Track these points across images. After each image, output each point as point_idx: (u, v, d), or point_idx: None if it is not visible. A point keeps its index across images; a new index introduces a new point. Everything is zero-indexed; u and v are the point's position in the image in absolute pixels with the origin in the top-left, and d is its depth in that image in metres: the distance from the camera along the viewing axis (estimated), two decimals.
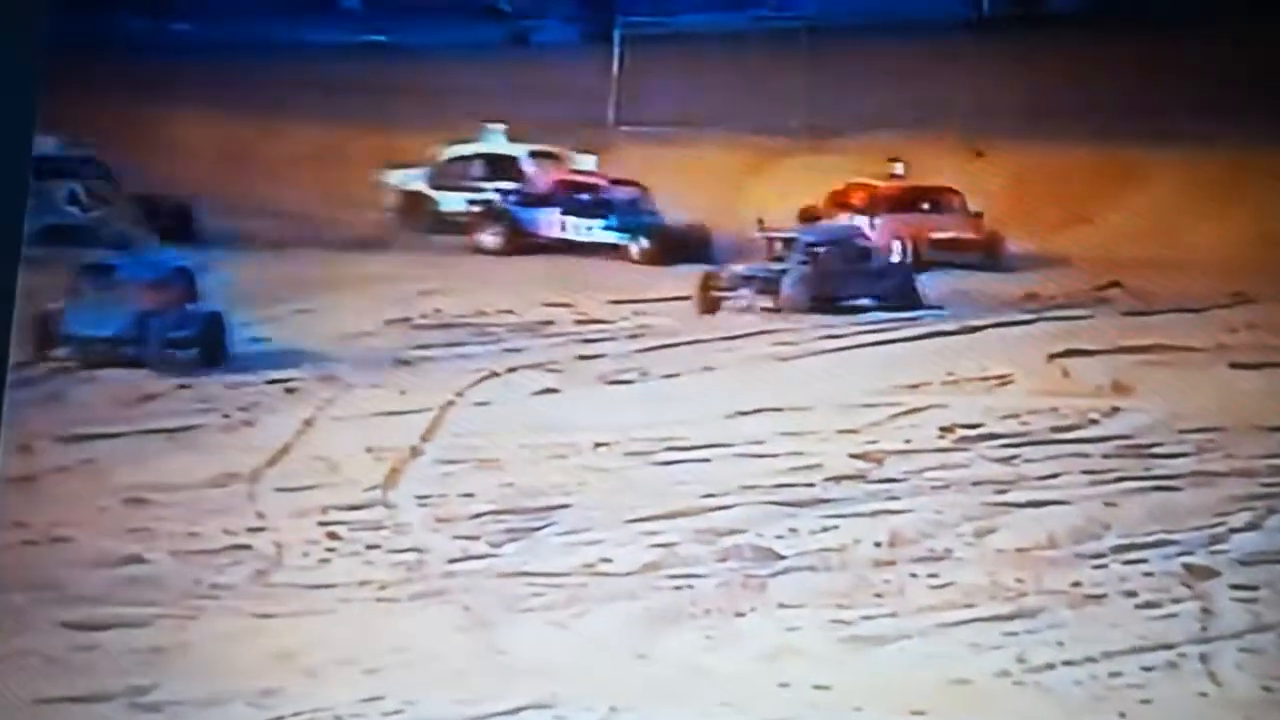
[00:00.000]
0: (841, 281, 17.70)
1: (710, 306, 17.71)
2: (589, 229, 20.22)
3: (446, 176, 21.67)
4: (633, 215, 20.31)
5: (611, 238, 20.15)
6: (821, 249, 17.96)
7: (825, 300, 17.52)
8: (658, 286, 18.42)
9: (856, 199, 20.44)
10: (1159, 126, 21.14)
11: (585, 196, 20.58)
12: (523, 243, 20.41)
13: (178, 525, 11.91)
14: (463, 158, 21.73)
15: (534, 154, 21.54)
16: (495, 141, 21.65)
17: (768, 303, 17.60)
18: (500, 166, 21.44)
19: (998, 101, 21.70)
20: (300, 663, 9.75)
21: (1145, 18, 24.60)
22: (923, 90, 22.27)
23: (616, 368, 15.98)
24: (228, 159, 21.71)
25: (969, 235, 19.75)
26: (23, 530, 11.50)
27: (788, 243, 18.11)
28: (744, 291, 17.70)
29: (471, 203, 21.19)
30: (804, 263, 17.77)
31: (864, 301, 17.65)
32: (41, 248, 19.70)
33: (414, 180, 21.65)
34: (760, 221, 18.78)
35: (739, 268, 18.02)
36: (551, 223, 20.53)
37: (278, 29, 26.41)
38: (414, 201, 21.64)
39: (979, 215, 19.98)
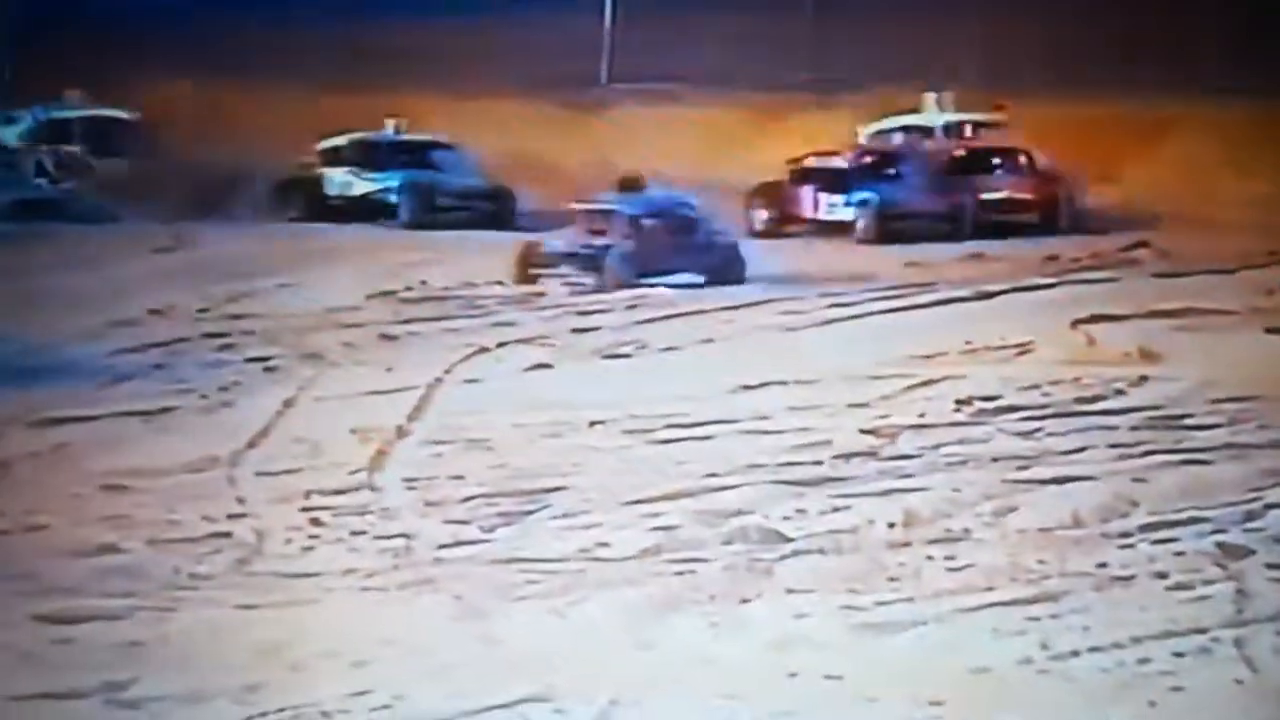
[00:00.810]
0: (666, 256, 17.44)
1: (526, 280, 17.43)
2: None
3: None
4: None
5: None
6: (646, 222, 17.67)
7: (650, 275, 17.33)
8: None
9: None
10: (1186, 77, 21.10)
11: None
12: None
13: (155, 512, 11.94)
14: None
15: None
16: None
17: (590, 279, 17.38)
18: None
19: (1016, 52, 21.65)
20: (284, 656, 9.77)
21: None
22: (938, 42, 22.22)
23: (613, 341, 16.01)
24: (204, 123, 21.73)
25: (1023, 195, 19.77)
26: None
27: (605, 215, 17.80)
28: (565, 267, 17.48)
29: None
30: (628, 236, 17.47)
31: (687, 277, 17.42)
32: (13, 224, 19.74)
33: None
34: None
35: (558, 241, 17.75)
36: None
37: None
38: None
39: (1054, 177, 19.97)
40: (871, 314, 16.66)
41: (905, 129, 21.03)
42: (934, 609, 10.29)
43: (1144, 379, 14.62)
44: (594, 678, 9.44)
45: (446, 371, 15.09)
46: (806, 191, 19.97)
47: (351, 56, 22.65)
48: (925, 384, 14.46)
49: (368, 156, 21.22)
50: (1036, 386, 14.36)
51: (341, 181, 21.27)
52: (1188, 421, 13.54)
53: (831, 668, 9.52)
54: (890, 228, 19.72)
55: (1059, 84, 20.86)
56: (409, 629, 10.09)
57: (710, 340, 16.00)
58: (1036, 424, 13.49)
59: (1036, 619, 10.15)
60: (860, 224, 19.70)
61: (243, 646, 9.86)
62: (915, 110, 20.90)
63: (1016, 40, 21.48)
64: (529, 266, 17.64)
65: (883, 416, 13.60)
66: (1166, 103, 20.43)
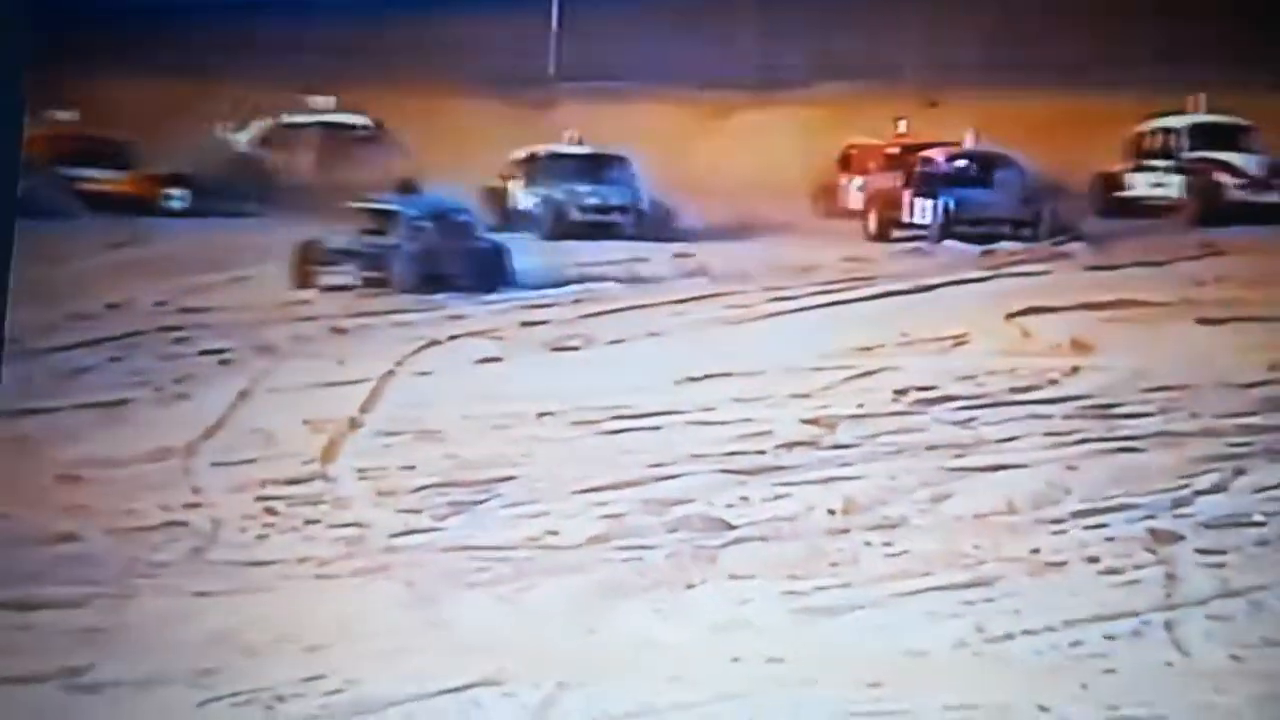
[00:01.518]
0: (444, 259, 17.09)
1: (304, 281, 17.01)
2: None
3: None
4: None
5: None
6: (425, 224, 17.32)
7: (433, 279, 16.95)
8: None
9: (859, 160, 20.40)
10: (1117, 76, 21.25)
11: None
12: None
13: (113, 502, 11.91)
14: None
15: None
16: None
17: (375, 279, 16.87)
18: None
19: (954, 51, 21.75)
20: (239, 641, 9.78)
21: None
22: (876, 41, 22.29)
23: (561, 334, 16.02)
24: (163, 119, 21.59)
25: (899, 185, 19.70)
26: None
27: (387, 215, 17.34)
28: (348, 266, 17.07)
29: None
30: (409, 238, 17.12)
31: (458, 281, 16.98)
32: None
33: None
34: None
35: (339, 240, 17.28)
36: None
37: None
38: None
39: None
40: (812, 307, 16.73)
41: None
42: (872, 594, 10.37)
43: (1076, 369, 14.73)
44: (542, 662, 9.48)
45: (398, 364, 15.07)
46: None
47: (293, 50, 22.55)
48: (864, 375, 14.54)
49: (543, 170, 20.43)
50: (972, 377, 14.45)
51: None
52: (1119, 410, 13.65)
53: (773, 651, 9.59)
54: (961, 232, 19.09)
55: (998, 79, 20.98)
56: (362, 615, 10.11)
57: (656, 334, 16.02)
58: (972, 413, 13.57)
59: (971, 603, 10.24)
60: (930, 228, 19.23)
61: (198, 632, 9.86)
62: (1179, 111, 20.43)
63: (956, 37, 21.60)
64: (308, 264, 17.07)
65: (823, 407, 13.66)
66: (1101, 97, 20.58)
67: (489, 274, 17.15)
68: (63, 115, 20.73)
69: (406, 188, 18.07)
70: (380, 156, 20.72)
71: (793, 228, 19.83)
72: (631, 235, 19.14)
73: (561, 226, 19.27)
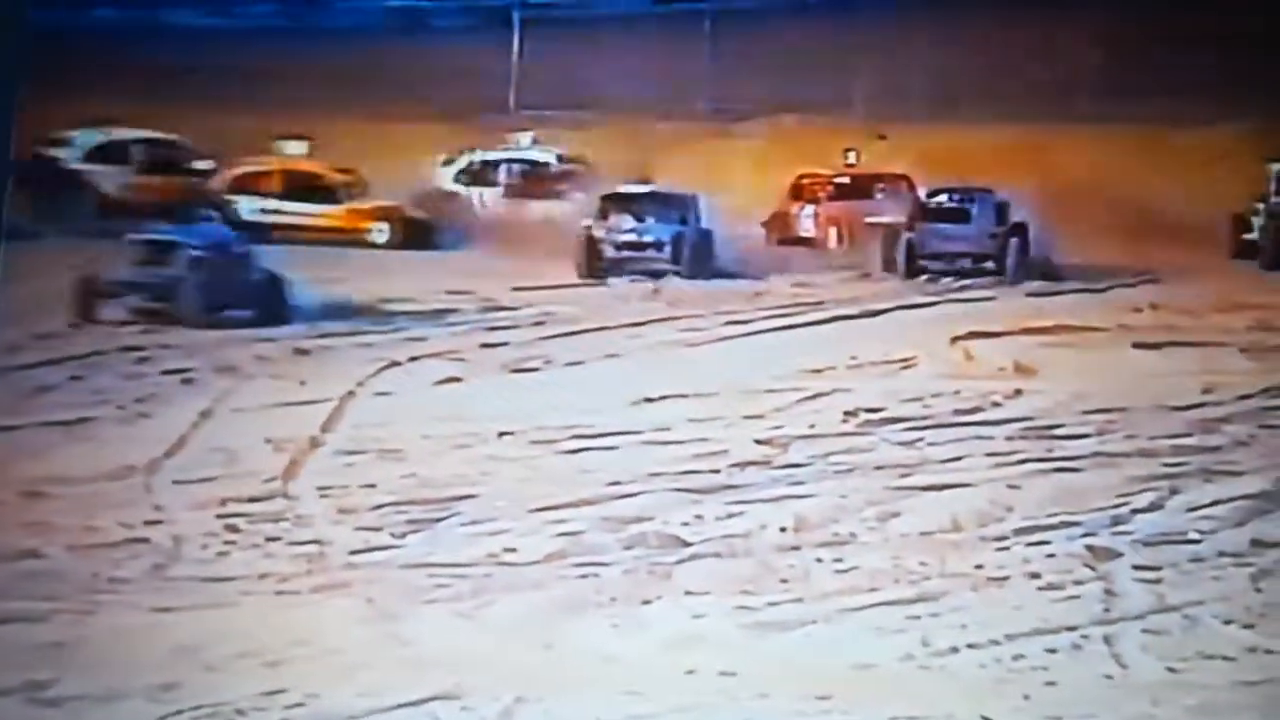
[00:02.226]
0: (226, 291, 16.85)
1: (86, 313, 16.59)
2: None
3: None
4: None
5: None
6: (204, 255, 17.00)
7: (216, 310, 16.68)
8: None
9: (809, 189, 20.49)
10: (1061, 106, 21.47)
11: None
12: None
13: (75, 519, 11.82)
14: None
15: None
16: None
17: (159, 310, 16.59)
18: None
19: (901, 85, 21.95)
20: (200, 657, 9.71)
21: (1045, 1, 24.97)
22: (825, 74, 22.47)
23: (520, 355, 16.01)
24: (373, 156, 21.60)
25: (904, 220, 19.78)
26: None
27: (167, 246, 16.99)
28: (133, 297, 16.73)
29: None
30: (191, 269, 16.82)
31: (237, 314, 16.70)
32: None
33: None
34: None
35: (123, 271, 16.89)
36: None
37: (182, 14, 26.12)
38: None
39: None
40: (765, 331, 16.79)
41: None
42: (822, 609, 10.39)
43: (1018, 392, 14.84)
44: (501, 676, 9.45)
45: (359, 384, 15.02)
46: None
47: (262, 80, 22.50)
48: (815, 397, 14.60)
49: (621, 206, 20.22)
50: (918, 399, 14.53)
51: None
52: (1059, 432, 13.76)
53: (726, 665, 9.60)
54: (921, 266, 18.82)
55: (941, 115, 21.16)
56: (322, 631, 10.05)
57: (614, 355, 16.05)
58: (918, 434, 13.65)
59: (918, 618, 10.28)
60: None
61: (160, 648, 9.78)
62: None
63: (901, 72, 21.78)
64: (91, 297, 16.65)
65: (775, 427, 13.71)
66: (1041, 129, 20.76)
67: (269, 305, 16.72)
68: (293, 147, 20.79)
69: (185, 218, 17.62)
70: (572, 188, 20.76)
71: (747, 253, 19.94)
72: (665, 271, 19.05)
73: (597, 262, 18.96)
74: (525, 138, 21.50)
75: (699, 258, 18.99)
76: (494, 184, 21.28)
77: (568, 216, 20.19)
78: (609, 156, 21.12)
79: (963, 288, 18.93)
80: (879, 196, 20.29)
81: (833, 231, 19.87)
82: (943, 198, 19.66)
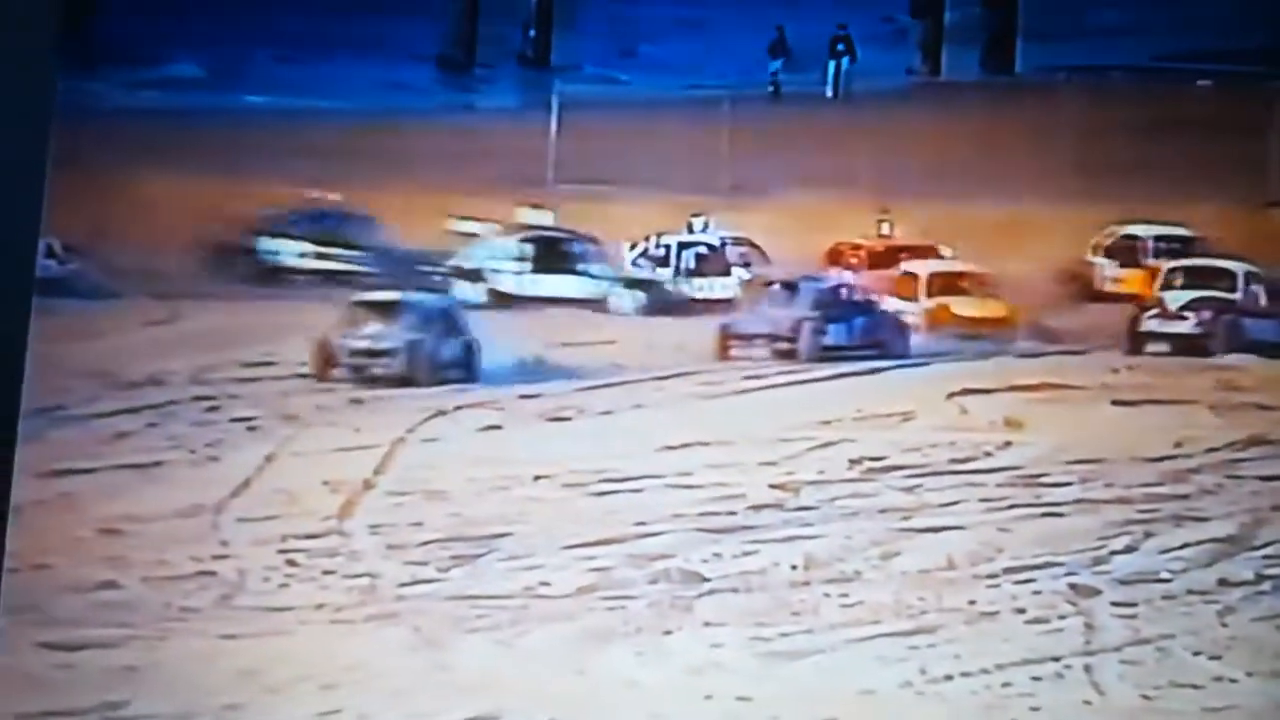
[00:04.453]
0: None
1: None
2: None
3: None
4: None
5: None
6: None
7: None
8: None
9: (849, 256, 20.35)
10: (1050, 186, 21.59)
11: None
12: None
13: (148, 554, 11.91)
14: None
15: None
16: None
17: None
18: None
19: (903, 165, 22.11)
20: (262, 680, 9.78)
21: (1035, 85, 25.12)
22: (835, 155, 22.65)
23: (555, 405, 16.10)
24: (197, 218, 21.69)
25: None
26: (6, 559, 11.46)
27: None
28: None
29: None
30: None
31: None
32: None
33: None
34: None
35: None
36: None
37: (230, 96, 26.34)
38: None
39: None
40: (778, 385, 16.86)
41: None
42: (829, 639, 10.44)
43: (1008, 444, 14.86)
44: (536, 700, 9.51)
45: (409, 431, 15.11)
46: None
47: (310, 153, 22.68)
48: (823, 446, 14.64)
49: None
50: (917, 449, 14.56)
51: None
52: (1045, 480, 13.77)
53: (742, 690, 9.66)
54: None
55: (940, 193, 21.30)
56: (373, 657, 10.12)
57: (640, 406, 16.12)
58: (917, 481, 13.68)
59: (916, 648, 10.34)
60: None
61: (225, 672, 9.86)
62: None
63: (903, 153, 21.94)
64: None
65: (787, 473, 13.74)
66: (1029, 208, 20.87)
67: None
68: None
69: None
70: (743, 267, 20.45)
71: None
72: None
73: (329, 368, 17.09)
74: (699, 222, 21.24)
75: (454, 367, 16.59)
76: (669, 265, 20.82)
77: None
78: (638, 225, 21.24)
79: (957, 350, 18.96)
80: (902, 266, 20.15)
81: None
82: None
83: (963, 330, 17.77)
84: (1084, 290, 19.48)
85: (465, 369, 16.46)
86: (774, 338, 16.88)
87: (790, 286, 17.50)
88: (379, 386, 15.75)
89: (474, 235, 20.41)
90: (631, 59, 26.28)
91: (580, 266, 19.53)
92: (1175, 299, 17.56)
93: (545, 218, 20.33)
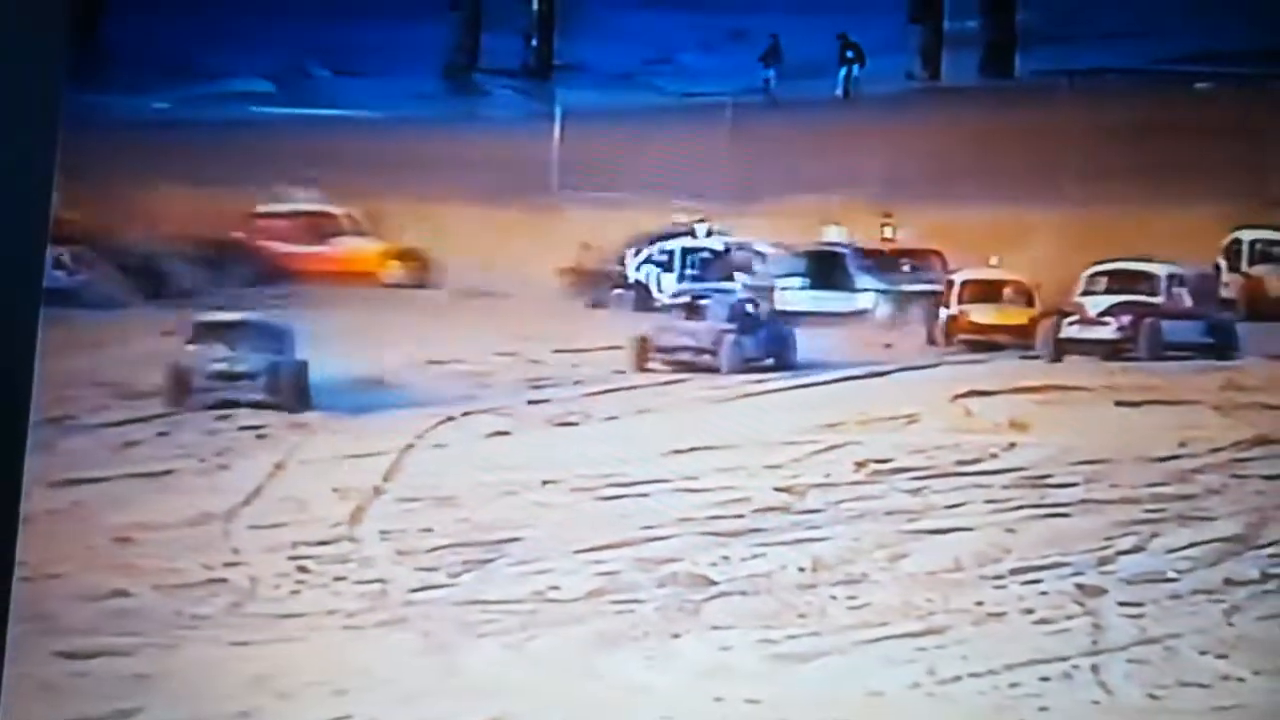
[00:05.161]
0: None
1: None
2: None
3: None
4: None
5: None
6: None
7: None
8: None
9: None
10: (1049, 190, 21.56)
11: None
12: None
13: (159, 561, 11.91)
14: None
15: None
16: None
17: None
18: None
19: (904, 168, 22.09)
20: (274, 686, 9.79)
21: (1035, 89, 25.12)
22: (835, 159, 22.64)
23: (562, 411, 16.09)
24: (205, 228, 21.66)
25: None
26: (19, 568, 11.45)
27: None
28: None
29: None
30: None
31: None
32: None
33: None
34: None
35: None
36: None
37: (239, 107, 26.35)
38: None
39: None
40: (783, 389, 16.84)
41: None
42: (837, 642, 10.44)
43: (1013, 445, 14.84)
44: (546, 704, 9.51)
45: (417, 438, 15.11)
46: None
47: (319, 164, 22.65)
48: (829, 449, 14.62)
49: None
50: (923, 451, 14.54)
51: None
52: (1050, 481, 13.75)
53: (751, 693, 9.65)
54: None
55: (940, 196, 21.27)
56: (383, 662, 10.12)
57: (646, 411, 16.10)
58: (923, 483, 13.66)
59: (924, 649, 10.33)
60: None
61: (237, 678, 9.86)
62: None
63: (904, 156, 21.93)
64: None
65: (794, 476, 13.72)
66: (1031, 209, 20.84)
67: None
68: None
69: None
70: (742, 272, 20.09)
71: None
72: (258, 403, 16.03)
73: (184, 394, 16.18)
74: (702, 228, 21.16)
75: (296, 390, 15.99)
76: (672, 270, 20.71)
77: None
78: (642, 230, 21.22)
79: (962, 351, 18.93)
80: (905, 270, 20.04)
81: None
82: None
83: (978, 337, 17.73)
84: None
85: (295, 391, 15.57)
86: (696, 350, 16.60)
87: (701, 299, 17.32)
88: (240, 410, 15.18)
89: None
90: (665, 65, 26.38)
91: (854, 281, 19.11)
92: (1095, 304, 17.27)
93: (840, 234, 20.02)
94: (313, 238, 20.12)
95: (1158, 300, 17.36)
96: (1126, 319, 17.01)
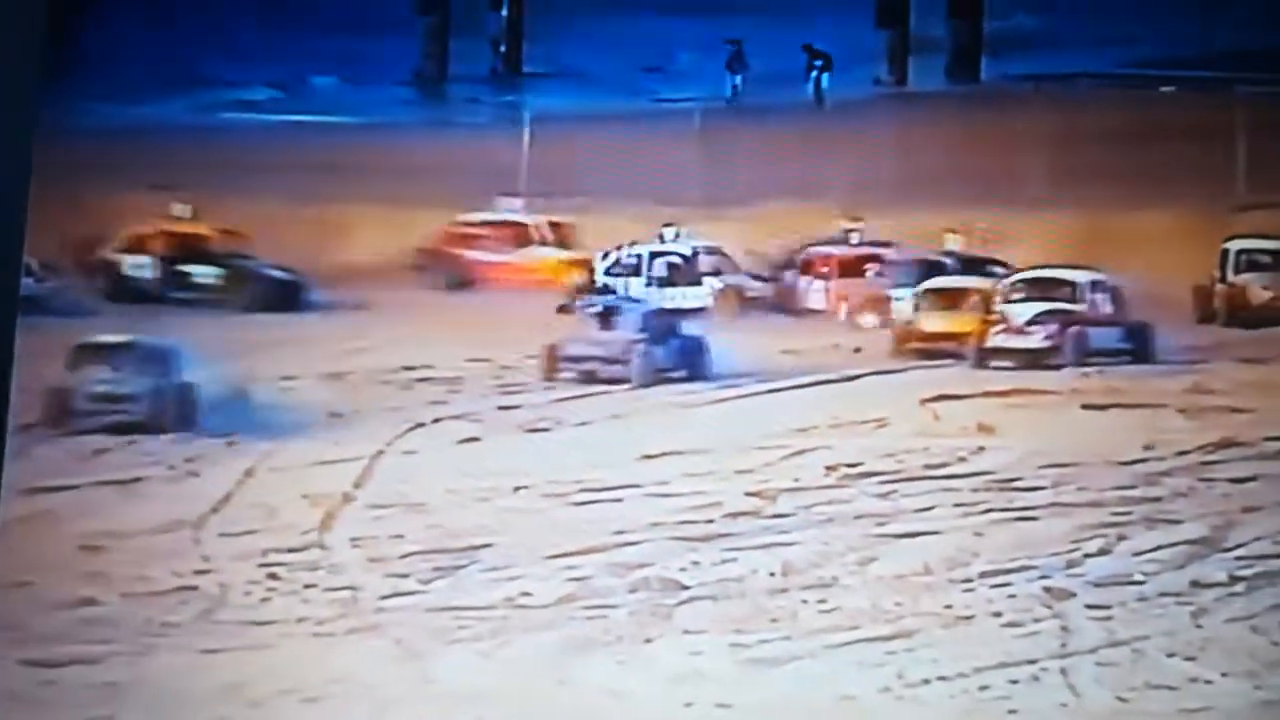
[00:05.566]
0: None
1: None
2: None
3: None
4: None
5: None
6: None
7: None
8: None
9: (819, 265, 20.27)
10: (1016, 194, 21.64)
11: None
12: None
13: (129, 569, 11.84)
14: None
15: None
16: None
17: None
18: None
19: (873, 173, 22.14)
20: (245, 694, 9.72)
21: (1001, 94, 25.23)
22: (804, 164, 22.68)
23: (533, 417, 16.06)
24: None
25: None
26: None
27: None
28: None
29: None
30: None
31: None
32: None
33: None
34: None
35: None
36: None
37: (204, 113, 26.29)
38: None
39: None
40: (754, 394, 16.86)
41: None
42: (808, 646, 10.42)
43: (981, 449, 14.89)
44: (518, 710, 9.47)
45: (387, 444, 15.06)
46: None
47: (290, 169, 22.60)
48: (799, 453, 14.64)
49: None
50: (892, 455, 14.58)
51: None
52: (1018, 485, 13.79)
53: (723, 698, 9.63)
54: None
55: (908, 201, 21.35)
56: (355, 669, 10.06)
57: (617, 416, 16.09)
58: (892, 487, 13.69)
59: (894, 653, 10.32)
60: None
61: (208, 686, 9.79)
62: None
63: (874, 161, 22.00)
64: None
65: (764, 481, 13.74)
66: (999, 214, 20.91)
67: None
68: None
69: None
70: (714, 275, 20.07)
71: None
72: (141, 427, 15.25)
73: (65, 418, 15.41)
74: (670, 232, 21.17)
75: (181, 413, 15.16)
76: (640, 275, 20.70)
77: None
78: (611, 236, 21.21)
79: (929, 356, 18.98)
80: (869, 274, 20.09)
81: (843, 305, 19.63)
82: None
83: (928, 345, 17.76)
84: None
85: (182, 413, 15.03)
86: (606, 360, 16.47)
87: (612, 310, 17.12)
88: (120, 434, 14.54)
89: None
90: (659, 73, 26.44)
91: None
92: (1019, 313, 17.39)
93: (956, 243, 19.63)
94: (508, 246, 20.42)
95: (1080, 307, 17.56)
96: (1053, 327, 17.23)
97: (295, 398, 16.46)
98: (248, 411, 15.44)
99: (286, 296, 19.90)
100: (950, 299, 18.39)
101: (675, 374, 16.78)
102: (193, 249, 20.44)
